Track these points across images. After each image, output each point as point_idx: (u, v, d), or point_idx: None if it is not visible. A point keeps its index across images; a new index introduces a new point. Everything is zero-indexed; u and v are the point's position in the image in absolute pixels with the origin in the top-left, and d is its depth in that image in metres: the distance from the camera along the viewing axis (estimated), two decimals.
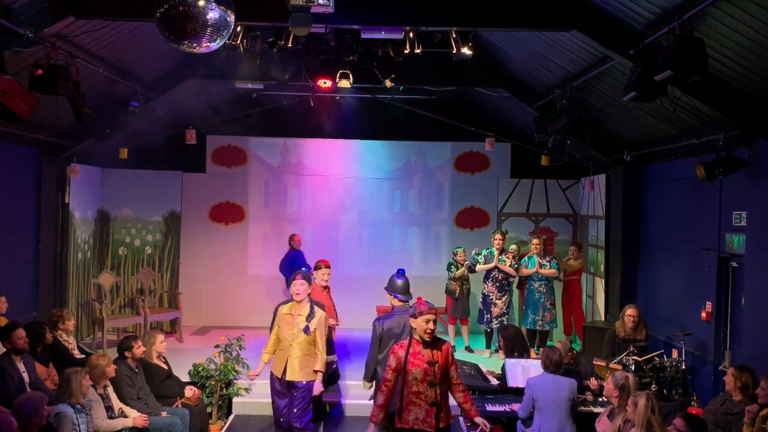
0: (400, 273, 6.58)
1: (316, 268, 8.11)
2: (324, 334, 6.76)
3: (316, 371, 6.67)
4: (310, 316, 6.66)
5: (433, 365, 5.14)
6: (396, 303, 6.49)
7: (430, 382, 5.13)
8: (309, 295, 6.77)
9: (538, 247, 10.27)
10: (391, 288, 6.52)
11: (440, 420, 5.17)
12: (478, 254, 10.45)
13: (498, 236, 10.30)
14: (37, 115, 7.12)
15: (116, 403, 6.38)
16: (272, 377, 6.82)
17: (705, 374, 7.81)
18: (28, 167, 9.45)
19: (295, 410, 6.65)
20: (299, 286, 6.67)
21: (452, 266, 10.73)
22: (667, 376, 7.17)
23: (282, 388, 6.74)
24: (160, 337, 7.37)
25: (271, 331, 6.97)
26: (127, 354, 6.82)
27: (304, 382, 6.66)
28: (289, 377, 6.64)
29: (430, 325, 5.17)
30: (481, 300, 10.55)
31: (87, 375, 5.84)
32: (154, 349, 7.26)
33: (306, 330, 6.61)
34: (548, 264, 10.20)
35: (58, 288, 9.99)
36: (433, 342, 5.23)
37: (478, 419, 5.30)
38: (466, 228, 12.39)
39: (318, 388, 6.71)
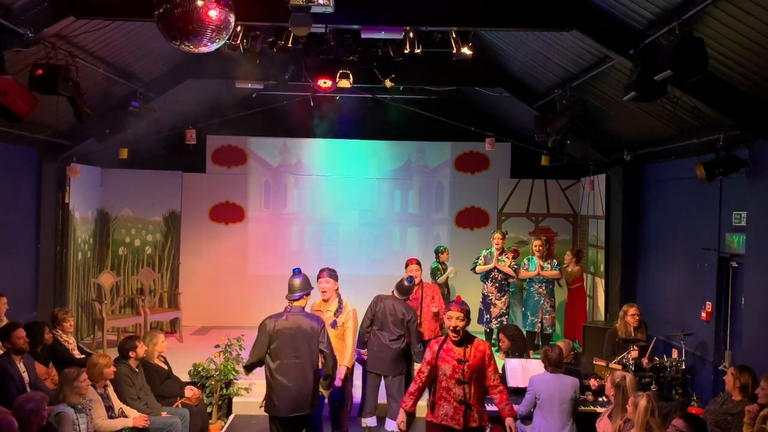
0: (295, 272, 6.33)
1: (406, 266, 8.26)
2: (355, 329, 6.78)
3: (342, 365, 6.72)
4: (338, 311, 6.71)
5: (463, 363, 5.19)
6: (294, 304, 6.20)
7: (458, 380, 5.18)
8: (336, 290, 6.79)
9: (540, 249, 10.26)
10: (287, 289, 6.26)
11: (469, 419, 5.20)
12: (477, 259, 10.49)
13: (497, 236, 10.30)
14: (37, 115, 7.12)
15: (116, 403, 6.38)
16: None
17: (705, 374, 7.81)
18: (28, 167, 9.44)
19: (332, 401, 6.79)
20: (324, 284, 6.75)
21: (438, 271, 10.73)
22: (667, 376, 7.17)
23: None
24: (161, 337, 7.38)
25: None
26: (131, 354, 6.83)
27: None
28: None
29: (452, 322, 5.23)
30: (480, 300, 10.56)
31: (81, 375, 5.81)
32: (156, 349, 7.27)
33: (333, 324, 6.66)
34: (549, 266, 10.20)
35: (58, 288, 9.99)
36: (467, 341, 5.28)
37: (508, 420, 5.35)
38: (466, 228, 12.39)
39: (338, 382, 6.71)
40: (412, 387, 5.45)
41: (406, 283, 7.54)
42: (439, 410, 5.25)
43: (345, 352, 6.74)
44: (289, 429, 6.14)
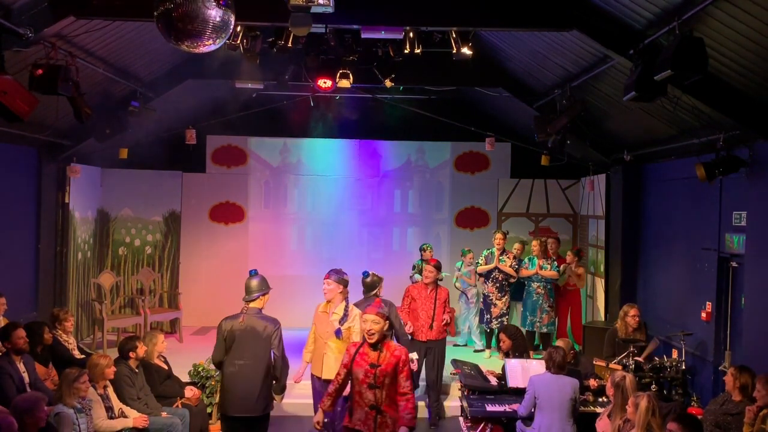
0: (252, 273, 6.36)
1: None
2: (361, 332, 6.65)
3: None
4: (344, 318, 6.57)
5: (375, 368, 5.10)
6: (250, 305, 6.24)
7: (370, 385, 5.10)
8: (341, 293, 6.63)
9: (536, 248, 10.28)
10: (245, 291, 6.30)
11: (380, 425, 5.09)
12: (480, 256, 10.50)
13: (499, 236, 10.31)
14: (37, 115, 7.12)
15: (116, 404, 6.38)
16: (312, 377, 6.80)
17: (705, 374, 7.81)
18: (28, 167, 9.45)
19: (338, 409, 6.56)
20: (326, 285, 6.64)
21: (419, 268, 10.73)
22: (667, 376, 7.17)
23: (321, 387, 6.64)
24: (161, 337, 7.37)
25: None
26: (131, 354, 6.82)
27: None
28: (325, 376, 6.57)
29: (366, 325, 5.14)
30: (481, 300, 10.57)
31: (82, 377, 5.81)
32: (155, 350, 7.26)
33: (337, 333, 6.54)
34: (549, 266, 10.21)
35: (58, 288, 9.98)
36: (382, 345, 5.18)
37: (401, 429, 5.14)
38: (466, 228, 12.39)
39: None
40: (330, 388, 5.41)
41: (367, 280, 7.55)
42: (353, 414, 5.19)
43: None
44: (238, 429, 6.18)
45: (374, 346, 5.18)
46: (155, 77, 9.60)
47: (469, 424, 6.82)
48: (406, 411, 5.15)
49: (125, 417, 6.33)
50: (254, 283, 6.27)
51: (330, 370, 6.57)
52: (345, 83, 8.73)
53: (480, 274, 10.53)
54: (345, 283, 6.67)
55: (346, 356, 5.31)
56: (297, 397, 8.25)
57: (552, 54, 8.24)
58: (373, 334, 5.15)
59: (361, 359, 5.19)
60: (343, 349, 6.53)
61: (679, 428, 4.47)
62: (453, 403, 8.40)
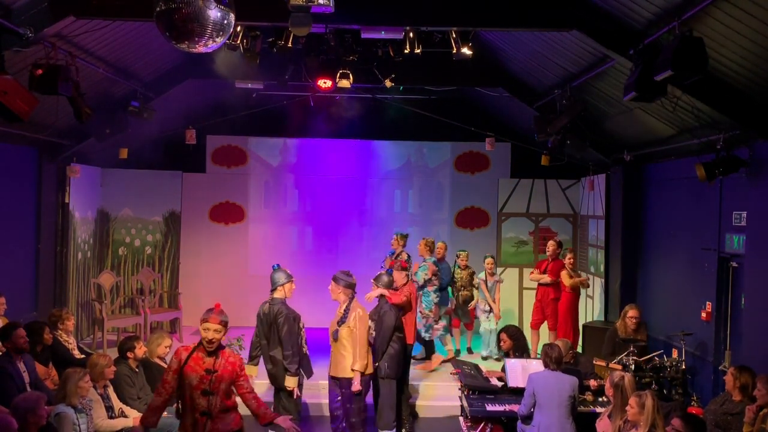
0: (274, 268, 7.10)
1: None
2: (358, 332, 6.75)
3: (353, 370, 6.82)
4: (342, 321, 6.83)
5: (211, 374, 4.99)
6: (273, 294, 6.98)
7: (204, 391, 4.98)
8: (342, 293, 6.90)
9: (421, 249, 9.76)
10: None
11: (210, 431, 5.01)
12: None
13: (397, 238, 10.02)
14: (37, 115, 7.12)
15: (116, 403, 6.38)
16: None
17: (705, 374, 7.81)
18: (28, 167, 9.45)
19: (348, 405, 6.89)
20: (330, 285, 7.01)
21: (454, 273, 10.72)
22: (667, 376, 7.18)
23: (331, 382, 7.03)
24: (168, 341, 7.39)
25: None
26: (129, 354, 6.83)
27: (345, 379, 6.83)
28: (331, 373, 6.98)
29: (208, 334, 5.03)
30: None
31: (86, 376, 5.82)
32: (158, 350, 7.26)
33: (335, 335, 6.84)
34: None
35: (58, 288, 9.99)
36: (218, 352, 5.08)
37: (279, 420, 5.15)
38: (466, 228, 12.39)
39: (356, 386, 6.78)
40: (156, 400, 5.15)
41: (386, 277, 7.66)
42: (185, 420, 5.07)
43: (355, 356, 6.75)
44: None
45: (212, 353, 5.07)
46: (155, 77, 9.61)
47: (469, 424, 6.82)
48: (263, 407, 5.22)
49: (125, 417, 6.34)
50: (275, 275, 7.00)
51: (333, 368, 6.90)
52: (345, 83, 8.73)
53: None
54: (349, 285, 6.92)
55: (175, 361, 5.09)
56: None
57: (552, 54, 8.25)
58: (213, 343, 5.04)
59: (194, 364, 5.03)
60: (344, 348, 6.82)
61: (682, 425, 4.49)
62: (453, 403, 8.40)
